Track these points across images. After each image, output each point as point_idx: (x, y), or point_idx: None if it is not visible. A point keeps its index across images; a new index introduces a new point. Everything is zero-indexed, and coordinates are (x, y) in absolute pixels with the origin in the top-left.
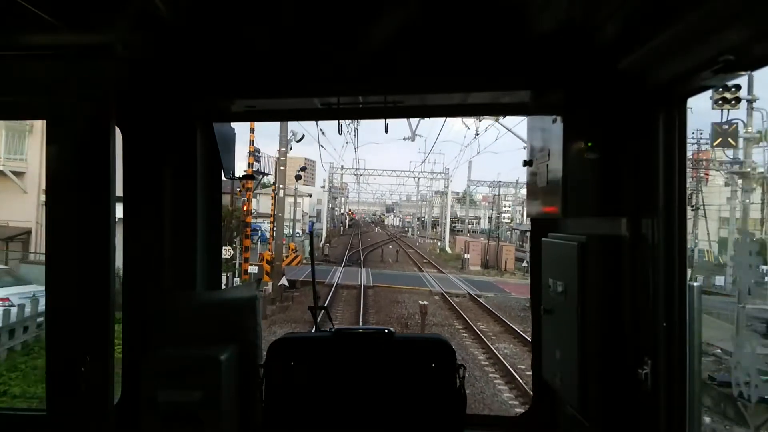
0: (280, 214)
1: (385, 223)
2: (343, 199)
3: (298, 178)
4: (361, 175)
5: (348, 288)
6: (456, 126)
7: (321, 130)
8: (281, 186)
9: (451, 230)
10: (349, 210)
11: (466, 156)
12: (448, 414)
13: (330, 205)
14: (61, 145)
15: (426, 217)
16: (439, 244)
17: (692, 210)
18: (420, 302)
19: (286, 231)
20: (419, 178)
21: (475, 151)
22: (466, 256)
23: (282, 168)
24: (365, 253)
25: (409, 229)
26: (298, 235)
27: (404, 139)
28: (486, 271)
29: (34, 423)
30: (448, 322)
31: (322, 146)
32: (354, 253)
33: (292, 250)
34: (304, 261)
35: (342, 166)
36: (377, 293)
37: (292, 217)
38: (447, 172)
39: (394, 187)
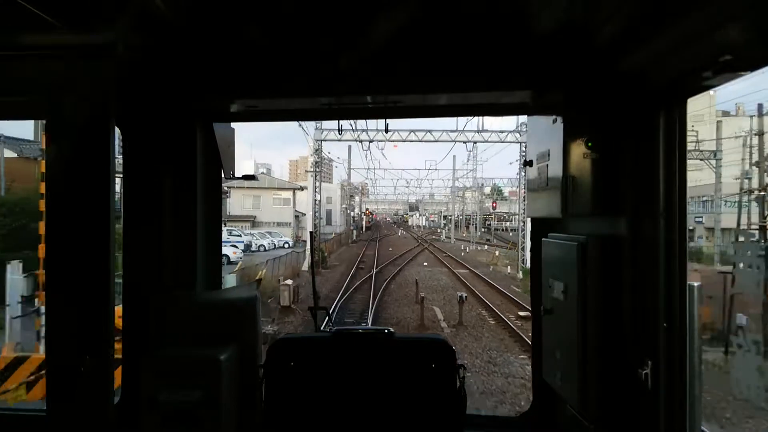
0: None
1: (409, 223)
2: (358, 198)
3: None
4: (371, 141)
5: None
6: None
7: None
8: None
9: (487, 229)
10: (367, 209)
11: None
12: (448, 414)
13: (334, 204)
14: (61, 145)
15: (457, 214)
16: (498, 253)
17: None
18: None
19: None
20: (470, 141)
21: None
22: None
23: None
24: (382, 288)
25: (442, 231)
26: (286, 245)
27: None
28: None
29: (34, 423)
30: None
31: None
32: (357, 291)
33: None
34: None
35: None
36: None
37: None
38: (522, 129)
39: (422, 173)
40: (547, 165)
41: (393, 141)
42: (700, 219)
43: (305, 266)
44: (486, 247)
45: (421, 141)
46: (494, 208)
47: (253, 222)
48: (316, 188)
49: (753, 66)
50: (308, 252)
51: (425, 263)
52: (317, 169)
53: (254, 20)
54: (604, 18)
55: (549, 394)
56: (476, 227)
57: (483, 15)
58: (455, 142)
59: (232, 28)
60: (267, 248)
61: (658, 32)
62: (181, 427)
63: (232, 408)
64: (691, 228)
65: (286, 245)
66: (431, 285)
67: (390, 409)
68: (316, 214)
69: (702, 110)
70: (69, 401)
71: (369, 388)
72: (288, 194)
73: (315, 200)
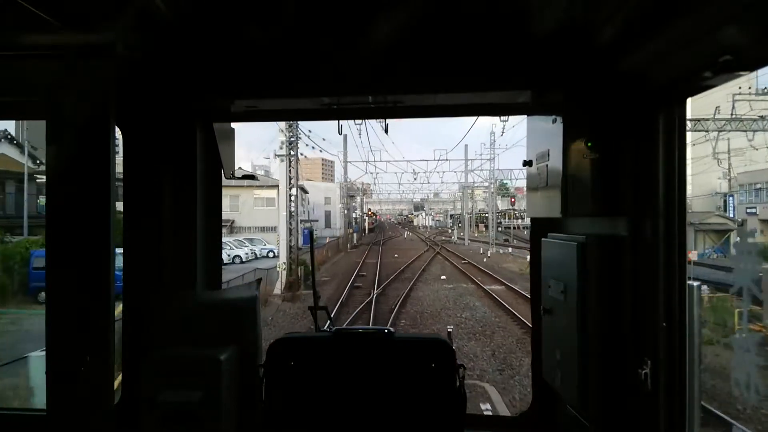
0: None
1: (415, 223)
2: (360, 198)
3: None
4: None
5: None
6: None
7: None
8: None
9: (499, 227)
10: (369, 210)
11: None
12: (448, 414)
13: (341, 204)
14: (61, 145)
15: (465, 213)
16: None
17: None
18: None
19: None
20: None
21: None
22: None
23: None
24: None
25: (453, 231)
26: (271, 254)
27: None
28: None
29: (34, 423)
30: None
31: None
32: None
33: None
34: None
35: None
36: None
37: None
38: None
39: (431, 165)
40: (547, 165)
41: (398, 117)
42: (753, 209)
43: (278, 288)
44: (510, 249)
45: (436, 117)
46: (513, 203)
47: (231, 227)
48: (290, 176)
49: (753, 66)
50: (281, 266)
51: (443, 276)
52: (291, 152)
53: (254, 20)
54: (604, 18)
55: (549, 394)
56: (493, 226)
57: (483, 15)
58: (479, 115)
59: (232, 28)
60: (244, 260)
61: (658, 32)
62: (181, 427)
63: (232, 408)
64: (738, 221)
65: (271, 254)
66: (461, 320)
67: (390, 408)
68: (293, 213)
69: (742, 86)
70: (69, 401)
71: (369, 387)
72: (272, 193)
73: (290, 195)
